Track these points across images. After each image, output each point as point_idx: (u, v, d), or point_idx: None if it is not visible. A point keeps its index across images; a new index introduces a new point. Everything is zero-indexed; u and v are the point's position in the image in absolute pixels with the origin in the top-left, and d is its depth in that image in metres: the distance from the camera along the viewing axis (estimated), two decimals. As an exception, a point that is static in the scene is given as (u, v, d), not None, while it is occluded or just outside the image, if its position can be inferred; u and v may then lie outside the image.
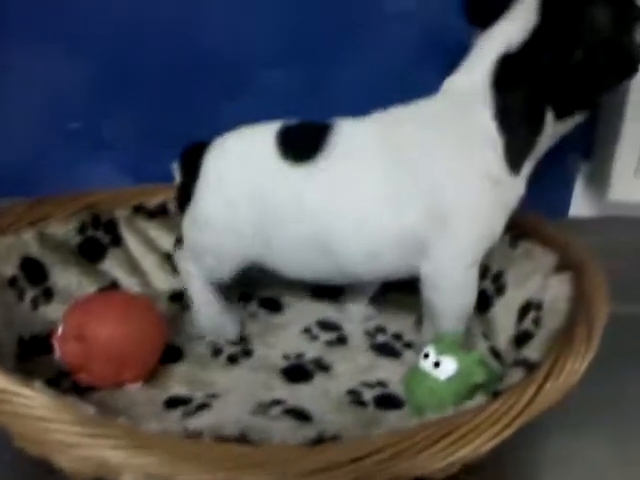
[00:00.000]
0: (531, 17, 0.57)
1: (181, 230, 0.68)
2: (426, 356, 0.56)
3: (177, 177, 0.67)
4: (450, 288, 0.60)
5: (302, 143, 0.61)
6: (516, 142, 0.58)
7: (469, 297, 0.61)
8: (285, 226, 0.60)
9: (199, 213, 0.64)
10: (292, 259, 0.63)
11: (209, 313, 0.68)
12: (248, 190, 0.61)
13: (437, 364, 0.55)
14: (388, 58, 0.78)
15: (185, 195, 0.65)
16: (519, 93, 0.57)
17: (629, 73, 0.59)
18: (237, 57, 0.80)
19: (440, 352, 0.55)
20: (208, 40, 0.80)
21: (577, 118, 0.60)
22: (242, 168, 0.62)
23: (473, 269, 0.60)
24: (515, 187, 0.60)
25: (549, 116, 0.58)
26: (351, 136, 0.60)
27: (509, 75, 0.57)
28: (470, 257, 0.59)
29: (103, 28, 0.79)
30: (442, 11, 0.72)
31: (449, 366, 0.54)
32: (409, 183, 0.58)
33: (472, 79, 0.59)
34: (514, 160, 0.58)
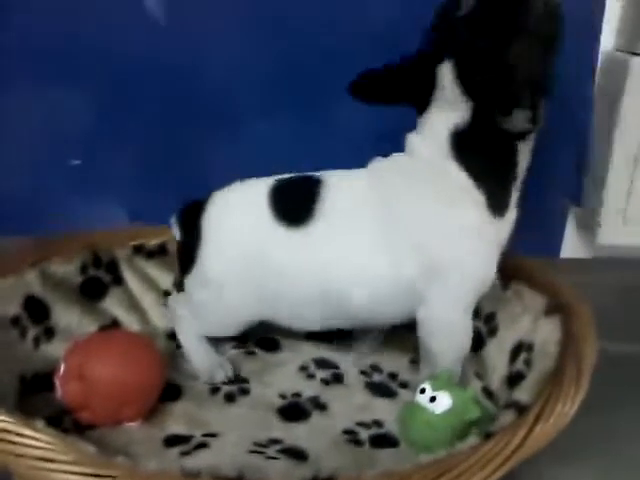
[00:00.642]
0: (463, 101, 0.56)
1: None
2: (422, 391, 0.57)
3: (177, 236, 0.68)
4: (445, 333, 0.61)
5: (295, 204, 0.62)
6: (495, 189, 0.58)
7: (464, 340, 0.62)
8: (287, 283, 0.62)
9: (201, 275, 0.65)
10: (297, 313, 0.64)
11: (200, 357, 0.68)
12: (246, 252, 0.62)
13: (433, 399, 0.56)
14: (375, 111, 0.81)
15: (186, 255, 0.66)
16: (482, 153, 0.58)
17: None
18: (233, 104, 0.83)
19: (436, 388, 0.56)
20: (205, 89, 0.82)
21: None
22: (239, 231, 0.63)
23: (467, 314, 0.61)
24: (504, 224, 0.60)
25: (519, 145, 0.58)
26: (343, 191, 0.61)
27: (467, 145, 0.58)
28: (464, 302, 0.60)
29: (105, 75, 0.82)
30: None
31: (444, 401, 0.55)
32: (401, 237, 0.59)
33: (433, 151, 0.59)
34: (497, 205, 0.59)
